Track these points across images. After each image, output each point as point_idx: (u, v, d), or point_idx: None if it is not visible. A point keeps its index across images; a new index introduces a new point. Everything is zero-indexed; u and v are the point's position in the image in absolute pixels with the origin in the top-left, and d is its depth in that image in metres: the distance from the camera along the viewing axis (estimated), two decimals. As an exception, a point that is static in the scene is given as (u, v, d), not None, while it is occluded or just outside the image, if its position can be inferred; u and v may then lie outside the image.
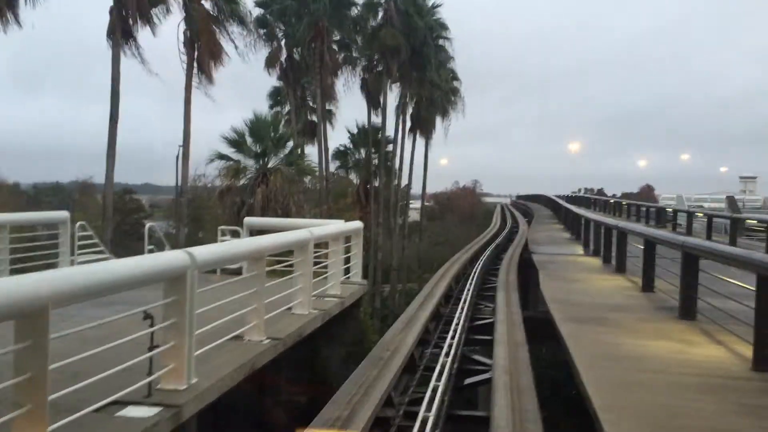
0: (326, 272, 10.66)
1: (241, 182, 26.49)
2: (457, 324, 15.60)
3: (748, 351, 6.68)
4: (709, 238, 22.55)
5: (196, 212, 45.56)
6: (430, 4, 43.61)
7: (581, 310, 10.13)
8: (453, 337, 13.76)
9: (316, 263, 10.63)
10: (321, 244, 10.67)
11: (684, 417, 5.18)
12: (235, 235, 12.94)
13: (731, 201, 53.46)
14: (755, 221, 24.09)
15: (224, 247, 6.46)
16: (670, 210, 34.52)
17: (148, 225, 14.02)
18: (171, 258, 5.37)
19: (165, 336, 5.33)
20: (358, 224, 12.28)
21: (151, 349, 5.14)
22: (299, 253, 8.73)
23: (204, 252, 5.79)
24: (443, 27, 44.90)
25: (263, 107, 40.19)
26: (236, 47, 28.21)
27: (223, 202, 27.03)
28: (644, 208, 37.65)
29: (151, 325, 5.12)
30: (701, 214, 29.23)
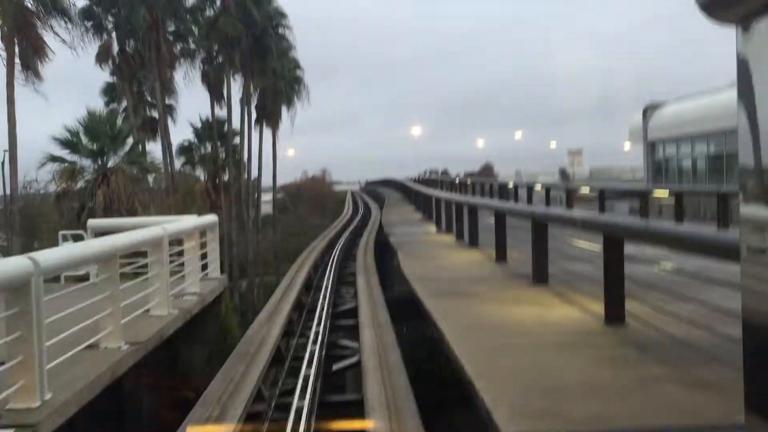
0: (183, 270, 10.22)
1: (79, 185, 24.85)
2: (321, 311, 15.58)
3: (599, 308, 7.12)
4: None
5: (29, 221, 42.23)
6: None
7: (443, 284, 10.40)
8: (318, 325, 13.72)
9: (171, 261, 10.17)
10: (175, 241, 10.21)
11: (551, 375, 5.43)
12: (78, 239, 12.09)
13: (563, 173, 57.26)
14: (587, 190, 25.86)
15: (71, 249, 5.96)
16: (511, 185, 36.36)
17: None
18: (11, 265, 4.88)
19: (11, 351, 4.84)
20: (212, 218, 11.86)
21: (-6, 367, 4.66)
22: (154, 252, 8.29)
23: (49, 256, 5.32)
24: (282, 15, 44.36)
25: (98, 104, 37.88)
26: (64, 41, 26.30)
27: (60, 208, 25.25)
28: (488, 186, 39.42)
29: (-6, 341, 4.63)
30: (539, 187, 31.03)
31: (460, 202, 17.58)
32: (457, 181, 48.60)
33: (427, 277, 11.38)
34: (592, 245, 9.64)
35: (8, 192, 27.20)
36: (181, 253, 10.35)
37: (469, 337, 6.82)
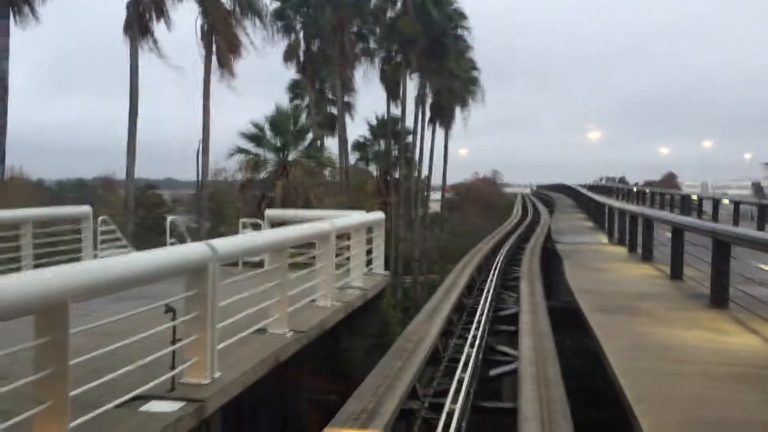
0: (348, 264, 10.55)
1: (262, 175, 26.49)
2: (481, 314, 15.44)
3: (784, 339, 6.47)
4: (736, 224, 22.14)
5: (217, 206, 45.74)
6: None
7: (609, 299, 9.93)
8: (477, 328, 13.61)
9: (337, 255, 10.54)
10: (343, 235, 10.57)
11: (721, 408, 5.00)
12: (256, 227, 12.86)
13: (757, 187, 52.62)
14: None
15: (246, 238, 6.37)
16: (695, 197, 34.00)
17: (169, 218, 14.00)
18: (192, 250, 5.28)
19: (187, 329, 5.24)
20: (379, 215, 12.14)
21: (173, 342, 5.06)
22: (321, 245, 8.62)
23: (225, 244, 5.70)
24: (461, 16, 44.51)
25: (283, 100, 40.19)
26: (251, 42, 28.15)
27: (243, 196, 27.05)
28: (668, 196, 37.12)
29: (173, 319, 5.03)
30: (727, 201, 28.76)
31: (634, 213, 16.68)
32: (634, 190, 46.34)
33: (593, 289, 10.93)
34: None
35: (200, 178, 29.58)
36: (347, 248, 10.69)
37: (632, 358, 6.45)
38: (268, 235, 6.92)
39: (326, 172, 35.49)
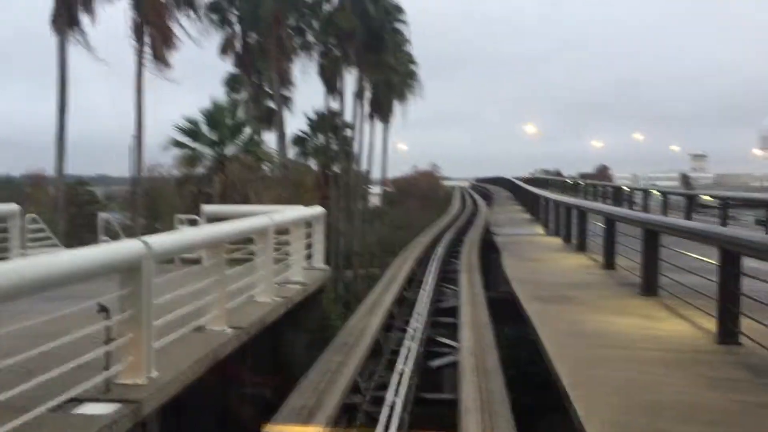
0: (288, 258, 10.49)
1: (199, 171, 26.02)
2: (422, 307, 15.57)
3: (711, 324, 6.72)
4: (664, 214, 22.89)
5: (152, 203, 44.68)
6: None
7: (545, 288, 10.15)
8: (417, 321, 13.73)
9: (277, 249, 10.46)
10: (282, 230, 10.49)
11: (653, 391, 5.17)
12: (193, 223, 12.65)
13: (684, 178, 54.57)
14: (709, 197, 24.49)
15: (182, 235, 6.25)
16: (627, 189, 35.01)
17: (100, 215, 13.62)
18: (126, 248, 5.16)
19: (122, 329, 5.12)
20: (319, 209, 12.10)
21: (107, 342, 4.93)
22: (260, 240, 8.55)
23: (160, 240, 5.58)
24: (399, 10, 44.71)
25: (219, 94, 39.51)
26: (188, 33, 27.57)
27: (180, 192, 26.53)
28: (601, 188, 38.14)
29: (107, 318, 4.90)
30: (657, 192, 29.70)
31: (569, 205, 17.09)
32: (569, 182, 47.42)
33: (529, 279, 11.15)
34: (710, 257, 9.08)
35: (134, 174, 28.82)
36: (286, 243, 10.62)
37: (568, 346, 6.62)
38: (204, 231, 6.80)
39: (266, 167, 35.12)
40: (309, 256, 11.99)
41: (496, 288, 21.99)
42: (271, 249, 8.73)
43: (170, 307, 6.03)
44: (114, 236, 14.45)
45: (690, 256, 8.39)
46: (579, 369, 5.75)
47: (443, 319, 16.04)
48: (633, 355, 6.18)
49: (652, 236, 9.10)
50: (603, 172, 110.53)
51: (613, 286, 10.24)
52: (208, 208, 12.13)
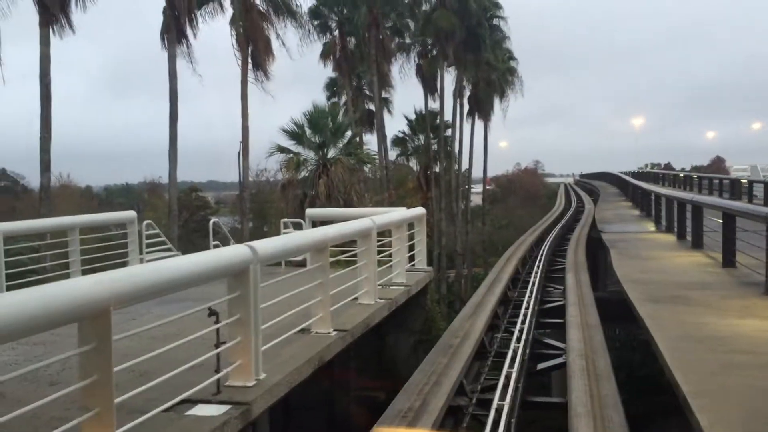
0: (391, 260, 10.50)
1: (302, 175, 26.56)
2: (527, 308, 15.24)
3: None
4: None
5: (260, 206, 46.15)
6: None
7: (659, 288, 9.66)
8: (523, 322, 13.45)
9: (380, 252, 10.49)
10: (384, 232, 10.52)
11: (783, 401, 4.80)
12: (298, 227, 12.89)
13: (810, 169, 50.84)
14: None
15: (286, 239, 6.34)
16: (745, 181, 33.02)
17: (212, 221, 14.13)
18: (233, 253, 5.27)
19: (231, 332, 5.24)
20: (420, 211, 12.05)
21: (217, 345, 5.06)
22: (362, 242, 8.57)
23: (266, 245, 5.68)
24: (497, 6, 44.02)
25: (321, 99, 40.30)
26: (283, 43, 28.16)
27: (285, 195, 27.16)
28: (717, 181, 36.17)
29: (217, 322, 5.03)
30: (780, 184, 27.86)
31: (682, 200, 16.25)
32: (680, 176, 45.28)
33: (641, 279, 10.65)
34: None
35: (241, 179, 29.81)
36: (389, 244, 10.64)
37: (686, 350, 6.24)
38: (308, 235, 6.89)
39: (366, 169, 35.51)
40: (412, 258, 11.97)
41: (604, 288, 21.27)
42: (374, 251, 8.75)
43: (277, 309, 6.13)
44: (223, 240, 14.99)
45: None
46: (700, 376, 5.40)
47: (550, 319, 15.63)
48: (760, 362, 5.75)
49: (777, 232, 8.49)
50: (718, 165, 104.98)
51: (734, 286, 9.63)
52: (312, 212, 12.33)
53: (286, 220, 13.66)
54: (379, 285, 9.17)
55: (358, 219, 8.82)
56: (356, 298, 8.58)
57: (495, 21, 44.61)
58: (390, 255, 10.61)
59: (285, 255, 6.23)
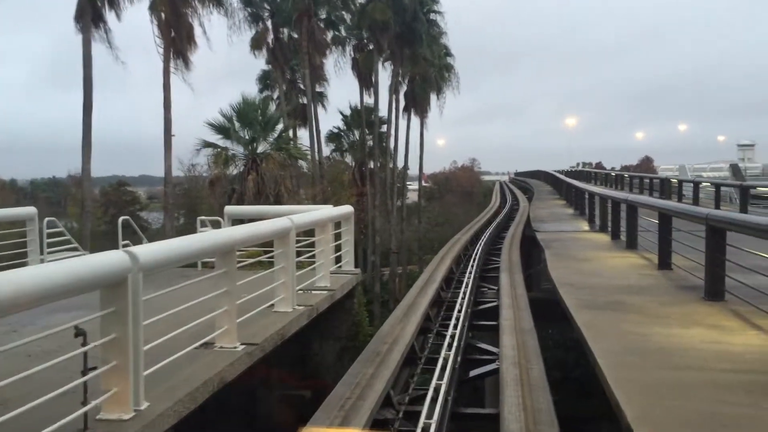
0: (314, 262, 9.72)
1: (231, 170, 25.48)
2: (460, 310, 14.75)
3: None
4: (717, 208, 21.56)
5: (192, 202, 44.64)
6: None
7: (596, 293, 9.17)
8: (456, 326, 12.92)
9: (303, 253, 9.72)
10: (309, 231, 9.76)
11: (738, 428, 4.25)
12: (216, 225, 11.99)
13: (735, 169, 52.42)
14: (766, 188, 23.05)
15: (177, 243, 5.45)
16: (675, 181, 33.48)
17: (121, 218, 13.03)
18: (106, 260, 4.41)
19: (105, 354, 4.39)
20: (347, 209, 11.29)
21: (84, 372, 4.20)
22: (279, 244, 7.79)
23: (150, 251, 4.83)
24: (433, 0, 43.42)
25: (254, 92, 38.96)
26: (204, 32, 26.80)
27: (213, 192, 26.04)
28: (647, 180, 36.63)
29: (84, 344, 4.17)
30: (707, 184, 28.24)
31: (617, 199, 15.98)
32: (612, 175, 45.83)
33: (577, 282, 10.17)
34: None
35: (165, 174, 28.30)
36: (312, 245, 9.87)
37: (628, 366, 5.67)
38: (207, 237, 6.01)
39: (303, 165, 34.51)
40: (339, 259, 11.22)
41: (538, 287, 20.99)
42: (293, 253, 7.95)
43: (176, 321, 5.31)
44: (137, 240, 13.92)
45: (760, 255, 7.38)
46: (645, 398, 4.82)
47: (483, 322, 15.15)
48: (709, 379, 5.21)
49: (717, 234, 8.08)
50: (646, 164, 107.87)
51: (672, 290, 9.22)
52: (230, 210, 11.42)
53: (202, 218, 12.70)
54: (299, 290, 8.39)
55: (274, 219, 7.99)
56: (272, 305, 7.79)
57: (432, 16, 44.01)
58: (313, 256, 9.84)
59: (176, 261, 5.37)
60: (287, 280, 7.88)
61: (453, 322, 13.27)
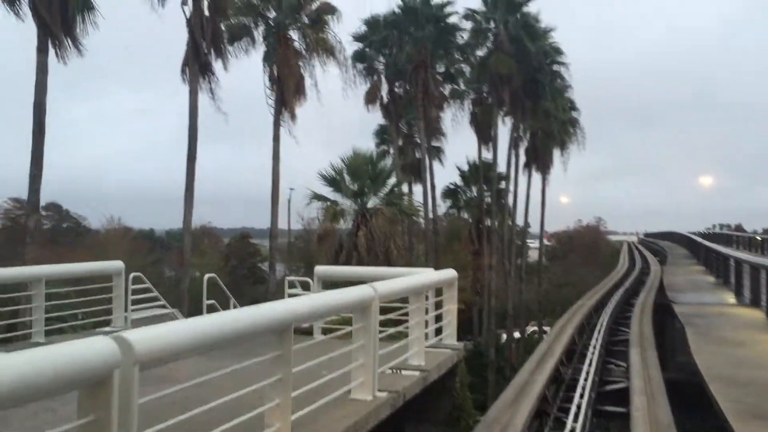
0: (407, 337, 8.30)
1: (342, 224, 24.66)
2: (582, 392, 12.91)
3: None
4: None
5: (310, 255, 44.73)
6: (542, 27, 40.37)
7: (763, 394, 7.18)
8: (577, 414, 11.12)
9: (397, 323, 8.38)
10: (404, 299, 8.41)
11: None
12: (305, 287, 10.91)
13: None
14: None
15: (172, 329, 4.05)
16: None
17: (206, 276, 12.21)
18: (84, 350, 3.22)
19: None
20: (450, 273, 9.82)
21: None
22: (358, 318, 6.47)
23: (153, 336, 3.62)
24: (558, 51, 41.49)
25: (372, 146, 38.48)
26: (315, 84, 26.30)
27: (321, 247, 25.28)
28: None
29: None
30: None
31: (773, 268, 13.62)
32: (758, 239, 41.62)
33: (734, 377, 8.15)
34: None
35: (271, 227, 27.71)
36: (405, 314, 8.48)
37: None
38: (243, 315, 4.66)
39: (420, 220, 33.34)
40: (439, 331, 9.74)
41: (675, 366, 18.46)
42: (375, 329, 6.59)
43: (199, 420, 4.08)
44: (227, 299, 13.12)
45: None
46: None
47: (609, 408, 13.17)
48: None
49: None
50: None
51: None
52: (320, 270, 10.27)
53: (291, 278, 11.68)
54: (382, 371, 6.99)
55: (355, 288, 6.67)
56: (349, 392, 6.44)
57: (556, 67, 42.12)
58: (407, 328, 8.43)
59: (193, 348, 4.05)
60: (367, 361, 6.51)
61: (574, 408, 11.47)
